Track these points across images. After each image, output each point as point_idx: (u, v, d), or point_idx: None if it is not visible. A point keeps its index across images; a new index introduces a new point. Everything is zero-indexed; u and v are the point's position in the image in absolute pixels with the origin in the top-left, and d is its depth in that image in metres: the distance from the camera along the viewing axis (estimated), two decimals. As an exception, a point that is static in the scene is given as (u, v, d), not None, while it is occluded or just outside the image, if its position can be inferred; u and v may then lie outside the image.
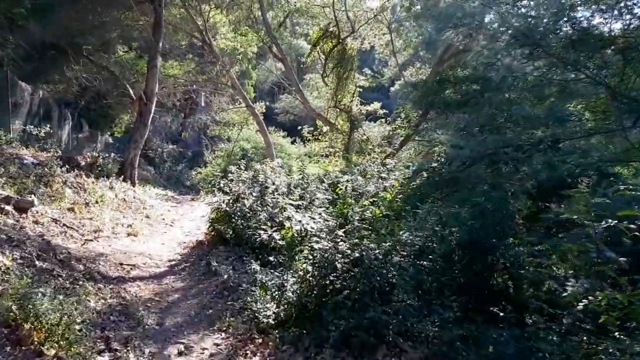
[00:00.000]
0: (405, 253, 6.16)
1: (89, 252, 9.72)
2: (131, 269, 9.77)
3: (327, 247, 6.32)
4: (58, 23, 18.88)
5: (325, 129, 19.05)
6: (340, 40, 16.71)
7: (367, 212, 6.44)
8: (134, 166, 17.74)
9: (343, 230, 6.57)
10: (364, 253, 5.88)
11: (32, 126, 16.05)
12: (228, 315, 7.53)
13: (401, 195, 6.64)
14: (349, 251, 6.13)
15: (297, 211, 6.83)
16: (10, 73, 15.35)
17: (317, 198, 9.39)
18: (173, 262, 11.04)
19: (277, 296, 6.65)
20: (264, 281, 6.80)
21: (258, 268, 7.38)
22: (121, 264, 9.79)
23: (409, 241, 6.22)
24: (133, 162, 17.64)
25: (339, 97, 17.12)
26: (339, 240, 6.39)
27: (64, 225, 10.96)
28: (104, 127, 25.36)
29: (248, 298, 7.41)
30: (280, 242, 6.67)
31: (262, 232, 8.56)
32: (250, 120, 28.54)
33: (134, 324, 7.01)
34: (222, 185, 12.32)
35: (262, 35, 21.74)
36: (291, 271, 6.84)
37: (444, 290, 6.00)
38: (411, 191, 6.48)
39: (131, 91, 18.67)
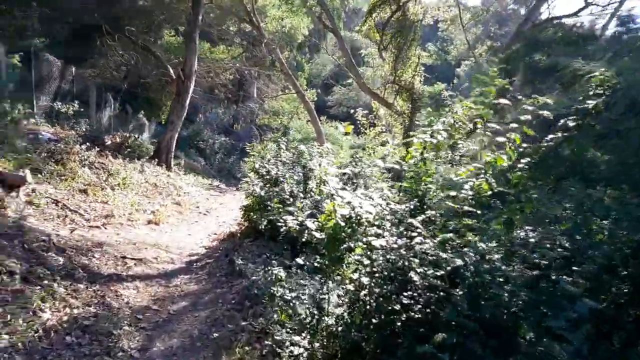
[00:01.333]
0: (537, 261, 3.33)
1: (83, 241, 7.44)
2: (135, 264, 7.42)
3: (395, 246, 3.61)
4: (104, 5, 17.18)
5: (381, 111, 16.22)
6: (400, 5, 13.82)
7: (465, 188, 3.64)
8: (170, 149, 15.69)
9: (421, 218, 3.83)
10: (466, 259, 3.11)
11: (60, 103, 14.26)
12: (243, 341, 4.96)
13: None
14: (435, 254, 3.37)
15: (344, 188, 4.20)
16: (34, 49, 13.61)
17: (372, 174, 6.72)
18: (193, 257, 8.63)
19: (311, 321, 4.01)
20: (288, 298, 4.17)
21: (282, 274, 4.75)
22: (123, 258, 7.46)
23: (544, 242, 3.39)
24: (169, 144, 15.59)
25: (399, 72, 14.25)
26: (414, 234, 3.65)
27: (66, 207, 8.80)
28: (150, 114, 23.60)
29: (272, 316, 4.83)
30: (317, 235, 3.99)
31: (288, 218, 5.87)
32: (301, 109, 26.06)
33: (100, 350, 4.56)
34: (257, 166, 9.83)
35: (311, 3, 19.08)
36: (334, 281, 4.16)
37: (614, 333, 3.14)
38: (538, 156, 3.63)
39: (171, 71, 16.65)
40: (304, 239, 4.72)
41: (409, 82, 14.14)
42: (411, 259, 3.44)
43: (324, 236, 4.06)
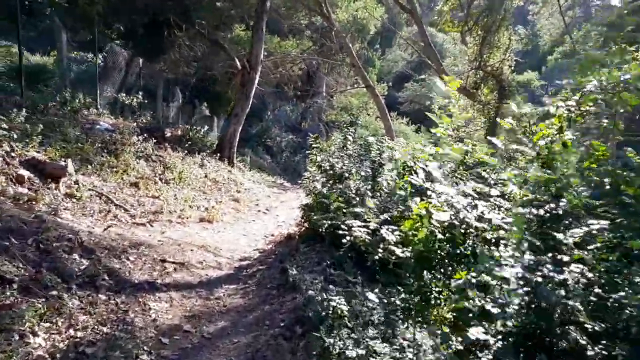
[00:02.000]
0: None
1: (119, 241, 6.41)
2: (175, 269, 6.27)
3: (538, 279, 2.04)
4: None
5: (461, 102, 14.31)
6: (490, -20, 11.92)
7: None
8: (233, 144, 14.76)
9: (580, 233, 2.22)
10: None
11: (125, 95, 13.74)
12: (287, 390, 3.57)
13: None
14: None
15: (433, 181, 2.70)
16: (100, 36, 13.12)
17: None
18: (244, 262, 7.39)
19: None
20: (352, 356, 2.70)
21: (344, 307, 3.29)
22: (162, 261, 6.35)
23: None
24: (232, 138, 14.66)
25: (485, 56, 12.32)
26: (564, 258, 2.06)
27: (110, 202, 7.89)
28: (218, 108, 23.04)
29: None
30: (398, 251, 2.49)
31: (354, 223, 4.33)
32: (370, 104, 24.49)
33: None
34: (319, 159, 8.45)
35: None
36: (426, 324, 2.63)
37: None
38: None
39: (238, 63, 15.76)
40: (377, 256, 3.20)
41: (496, 68, 12.15)
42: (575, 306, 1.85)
43: (408, 254, 2.54)
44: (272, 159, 32.37)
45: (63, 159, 7.73)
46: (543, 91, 13.35)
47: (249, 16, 22.34)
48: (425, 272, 2.44)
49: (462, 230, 2.41)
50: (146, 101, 14.23)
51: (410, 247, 2.51)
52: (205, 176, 12.16)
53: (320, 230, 7.45)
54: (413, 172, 3.35)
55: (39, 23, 12.02)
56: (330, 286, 5.49)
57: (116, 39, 15.03)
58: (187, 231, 8.31)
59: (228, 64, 17.89)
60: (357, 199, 7.55)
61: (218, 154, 13.90)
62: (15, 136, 7.63)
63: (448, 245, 2.37)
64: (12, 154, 6.98)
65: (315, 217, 7.81)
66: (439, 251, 2.38)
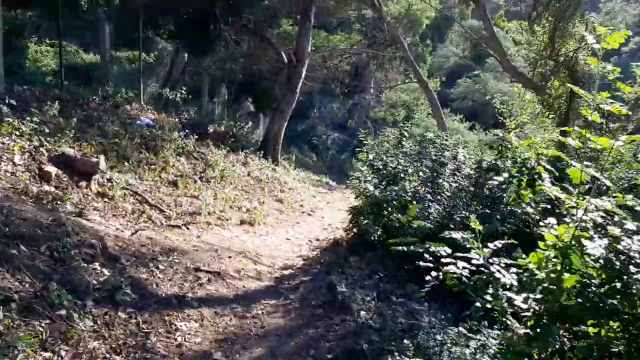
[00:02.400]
0: None
1: (150, 246, 5.74)
2: (210, 279, 5.52)
3: None
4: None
5: (528, 96, 12.93)
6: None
7: None
8: (278, 141, 14.05)
9: None
10: None
11: (169, 90, 13.29)
12: None
13: None
14: None
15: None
16: (146, 31, 12.69)
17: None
18: (286, 272, 6.57)
19: None
20: None
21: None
22: (196, 270, 5.62)
23: None
24: (277, 135, 13.96)
25: (557, 45, 10.96)
26: None
27: (145, 202, 7.28)
28: (264, 106, 22.48)
29: None
30: (521, 303, 1.55)
31: (442, 251, 3.21)
32: (422, 100, 23.26)
33: None
34: (371, 157, 7.51)
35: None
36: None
37: None
38: None
39: (284, 57, 15.05)
40: (481, 304, 2.19)
41: (570, 58, 10.76)
42: None
43: (536, 306, 1.59)
44: (318, 158, 31.68)
45: (95, 155, 7.19)
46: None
47: (297, 10, 21.68)
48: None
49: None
50: (190, 97, 13.74)
51: (540, 295, 1.58)
52: (248, 174, 11.48)
53: (372, 238, 6.54)
54: (537, 177, 2.37)
55: (84, 17, 11.74)
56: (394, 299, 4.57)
57: (162, 34, 14.67)
58: (226, 235, 7.59)
59: (274, 59, 17.24)
60: (414, 203, 6.57)
61: (262, 152, 13.22)
62: (47, 130, 7.15)
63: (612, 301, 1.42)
64: (41, 149, 6.47)
65: (365, 222, 6.90)
66: (598, 308, 1.43)
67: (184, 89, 13.40)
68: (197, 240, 6.75)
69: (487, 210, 6.60)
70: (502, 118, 13.58)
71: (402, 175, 7.23)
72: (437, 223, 6.75)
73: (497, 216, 6.52)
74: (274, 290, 5.78)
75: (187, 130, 10.73)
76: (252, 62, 18.26)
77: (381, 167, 7.37)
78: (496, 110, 13.61)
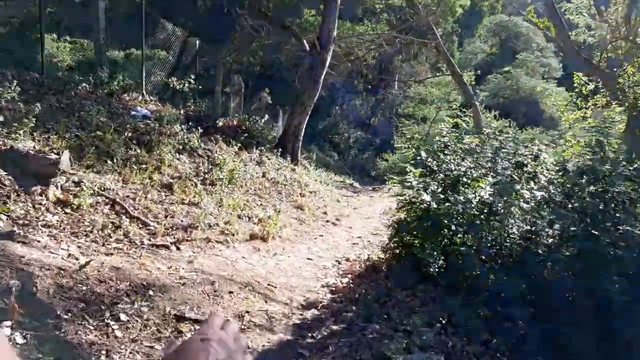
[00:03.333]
0: None
1: (114, 281, 3.90)
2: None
3: None
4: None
5: (591, 85, 10.76)
6: None
7: None
8: (298, 137, 12.17)
9: None
10: None
11: (175, 79, 11.51)
12: None
13: None
14: None
15: None
16: (148, 9, 10.88)
17: None
18: (308, 314, 4.66)
19: None
20: None
21: None
22: (179, 319, 3.76)
23: None
24: (297, 131, 12.08)
25: (634, 22, 8.83)
26: None
27: (124, 212, 5.48)
28: (284, 100, 20.60)
29: None
30: None
31: None
32: (454, 95, 21.10)
33: None
34: (424, 156, 5.56)
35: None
36: None
37: None
38: None
39: (306, 45, 13.18)
40: None
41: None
42: None
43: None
44: (339, 157, 29.78)
45: (57, 151, 5.42)
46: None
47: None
48: None
49: None
50: (201, 87, 11.96)
51: None
52: (263, 176, 9.63)
53: (431, 270, 4.61)
54: None
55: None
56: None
57: (170, 18, 12.93)
58: (230, 256, 5.73)
59: (296, 49, 15.37)
60: (486, 218, 4.63)
61: (280, 150, 11.35)
62: (1, 119, 5.40)
63: None
64: (-21, 142, 4.73)
65: (418, 246, 4.98)
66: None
67: (193, 77, 11.62)
68: (188, 267, 4.89)
69: (591, 231, 4.62)
70: (560, 112, 11.43)
71: (465, 179, 5.28)
72: (518, 247, 4.81)
73: (606, 240, 4.55)
74: (291, 349, 3.89)
75: (191, 124, 8.94)
76: (272, 52, 16.41)
77: (436, 168, 5.43)
78: (545, 105, 11.49)
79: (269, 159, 10.63)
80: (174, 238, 5.49)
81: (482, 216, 4.76)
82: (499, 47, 40.55)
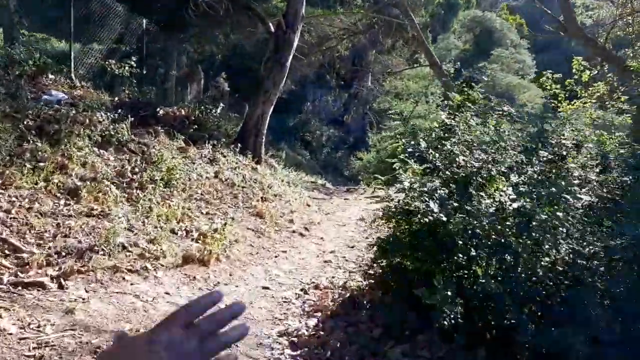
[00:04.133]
0: None
1: None
2: None
3: None
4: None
5: (595, 71, 9.35)
6: None
7: None
8: (261, 131, 10.34)
9: None
10: None
11: (114, 62, 9.55)
12: None
13: None
14: None
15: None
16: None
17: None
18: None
19: None
20: None
21: None
22: None
23: None
24: (260, 124, 10.26)
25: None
26: None
27: (-25, 233, 3.64)
28: (249, 91, 18.68)
29: None
30: None
31: None
32: (432, 89, 19.66)
33: None
34: (423, 147, 3.88)
35: None
36: None
37: None
38: None
39: (271, 26, 11.38)
40: None
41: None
42: None
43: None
44: (311, 156, 28.16)
45: None
46: None
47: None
48: None
49: None
50: (145, 72, 10.04)
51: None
52: (215, 176, 7.82)
53: (445, 323, 2.94)
54: None
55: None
56: None
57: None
58: (147, 292, 3.93)
59: (261, 34, 13.54)
60: (526, 237, 2.99)
61: (239, 145, 9.54)
62: None
63: None
64: None
65: (413, 268, 3.31)
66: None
67: (134, 60, 9.68)
68: (64, 321, 3.07)
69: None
70: (555, 102, 10.03)
71: (480, 179, 3.64)
72: (568, 279, 3.21)
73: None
74: None
75: (121, 111, 7.06)
76: (234, 37, 14.53)
77: (439, 163, 3.77)
78: (545, 89, 10.10)
79: (224, 156, 8.81)
80: (58, 270, 3.66)
81: (516, 233, 3.14)
82: (472, 43, 39.72)
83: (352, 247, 6.88)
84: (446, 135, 4.11)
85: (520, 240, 2.94)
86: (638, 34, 8.02)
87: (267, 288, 4.79)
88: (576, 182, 3.89)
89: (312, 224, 8.12)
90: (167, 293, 4.06)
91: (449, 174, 3.61)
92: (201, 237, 5.36)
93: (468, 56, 35.96)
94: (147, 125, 7.81)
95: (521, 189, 3.66)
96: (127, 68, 9.52)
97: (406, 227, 3.93)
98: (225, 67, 16.08)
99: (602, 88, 9.29)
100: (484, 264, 2.99)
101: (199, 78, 14.42)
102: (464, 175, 3.58)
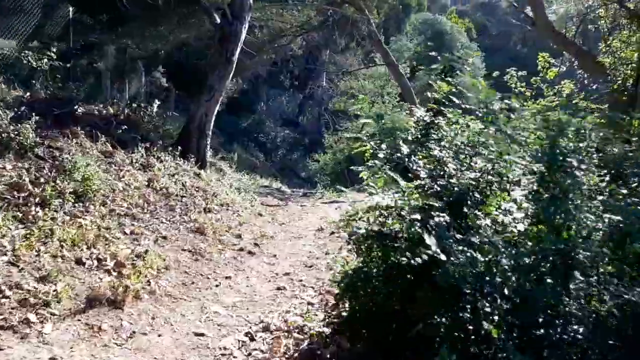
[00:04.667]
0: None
1: None
2: None
3: None
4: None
5: (563, 67, 8.80)
6: None
7: None
8: (206, 132, 9.05)
9: None
10: None
11: (30, 53, 8.06)
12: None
13: None
14: None
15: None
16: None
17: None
18: None
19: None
20: None
21: None
22: None
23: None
24: (204, 124, 8.98)
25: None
26: None
27: None
28: (199, 96, 17.30)
29: None
30: None
31: None
32: (387, 89, 18.97)
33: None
34: (404, 151, 2.91)
35: None
36: None
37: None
38: None
39: (217, 18, 10.15)
40: None
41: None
42: None
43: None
44: (266, 158, 26.97)
45: None
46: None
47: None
48: None
49: None
50: (70, 66, 8.57)
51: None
52: (148, 185, 6.58)
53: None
54: None
55: None
56: None
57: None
58: (18, 362, 2.73)
59: (207, 29, 12.22)
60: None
61: (179, 148, 8.27)
62: None
63: None
64: None
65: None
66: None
67: (54, 50, 8.22)
68: None
69: None
70: (520, 100, 9.35)
71: (478, 195, 2.70)
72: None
73: None
74: None
75: (24, 109, 5.69)
76: (178, 31, 13.13)
77: (424, 175, 2.79)
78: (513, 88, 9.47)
79: (161, 161, 7.55)
80: None
81: (553, 280, 2.20)
82: (424, 46, 39.79)
83: (310, 266, 5.84)
84: (426, 137, 3.16)
85: (559, 289, 2.00)
86: (611, 27, 7.47)
87: (202, 335, 3.66)
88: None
89: (264, 237, 7.01)
90: (53, 359, 2.86)
91: (438, 188, 2.64)
92: (117, 267, 4.16)
93: (421, 58, 35.89)
94: (63, 126, 6.46)
95: (525, 205, 2.78)
96: (45, 61, 8.04)
97: (381, 257, 2.93)
98: (171, 63, 14.64)
99: (568, 87, 8.73)
100: (502, 323, 2.03)
101: (139, 74, 12.95)
102: (459, 190, 2.62)
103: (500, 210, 2.79)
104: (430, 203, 2.37)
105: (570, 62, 8.19)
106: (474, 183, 2.69)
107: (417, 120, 3.54)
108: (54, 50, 8.33)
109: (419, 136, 3.35)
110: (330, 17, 17.28)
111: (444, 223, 2.26)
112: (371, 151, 3.59)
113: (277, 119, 29.04)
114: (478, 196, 2.73)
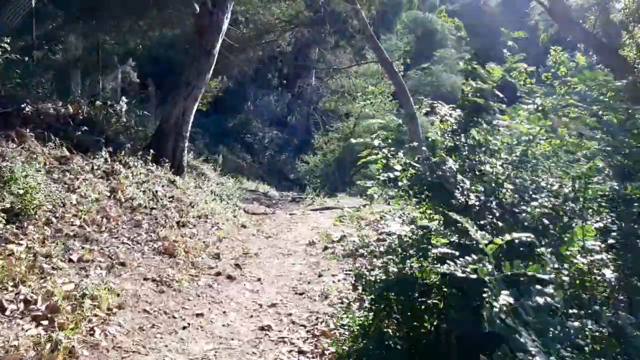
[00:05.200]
0: None
1: None
2: None
3: None
4: None
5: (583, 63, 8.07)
6: None
7: None
8: (183, 133, 8.00)
9: None
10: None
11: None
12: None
13: None
14: None
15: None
16: None
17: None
18: None
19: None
20: None
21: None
22: None
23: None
24: (181, 124, 7.93)
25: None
26: None
27: None
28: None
29: None
30: None
31: None
32: (380, 88, 18.06)
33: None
34: (447, 164, 1.99)
35: None
36: None
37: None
38: None
39: (196, 7, 9.05)
40: None
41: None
42: None
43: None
44: (253, 159, 25.93)
45: None
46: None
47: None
48: None
49: None
50: (23, 58, 7.46)
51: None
52: (111, 196, 5.55)
53: None
54: None
55: None
56: None
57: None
58: None
59: (188, 20, 11.19)
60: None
61: (152, 152, 7.24)
62: None
63: None
64: None
65: None
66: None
67: (8, 42, 7.11)
68: None
69: None
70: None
71: (555, 230, 1.77)
72: None
73: None
74: None
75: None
76: (156, 24, 12.05)
77: (478, 203, 1.85)
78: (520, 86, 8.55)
79: (128, 167, 6.52)
80: None
81: None
82: (415, 44, 39.12)
83: (301, 293, 4.87)
84: (472, 148, 2.23)
85: None
86: (637, 17, 6.65)
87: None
88: None
89: (247, 256, 6.03)
90: None
91: (500, 223, 1.71)
92: (50, 311, 3.15)
93: (411, 57, 35.16)
94: (8, 128, 5.41)
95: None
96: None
97: (401, 321, 1.98)
98: (149, 59, 13.55)
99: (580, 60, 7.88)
100: None
101: (114, 71, 11.85)
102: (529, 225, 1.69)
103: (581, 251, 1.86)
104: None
105: (589, 56, 7.34)
106: (552, 213, 1.75)
107: (454, 122, 2.58)
108: (7, 41, 7.23)
109: (457, 144, 2.41)
110: (320, 11, 16.33)
111: (544, 302, 1.31)
112: (384, 162, 2.64)
113: (264, 118, 27.95)
114: (555, 232, 1.80)
